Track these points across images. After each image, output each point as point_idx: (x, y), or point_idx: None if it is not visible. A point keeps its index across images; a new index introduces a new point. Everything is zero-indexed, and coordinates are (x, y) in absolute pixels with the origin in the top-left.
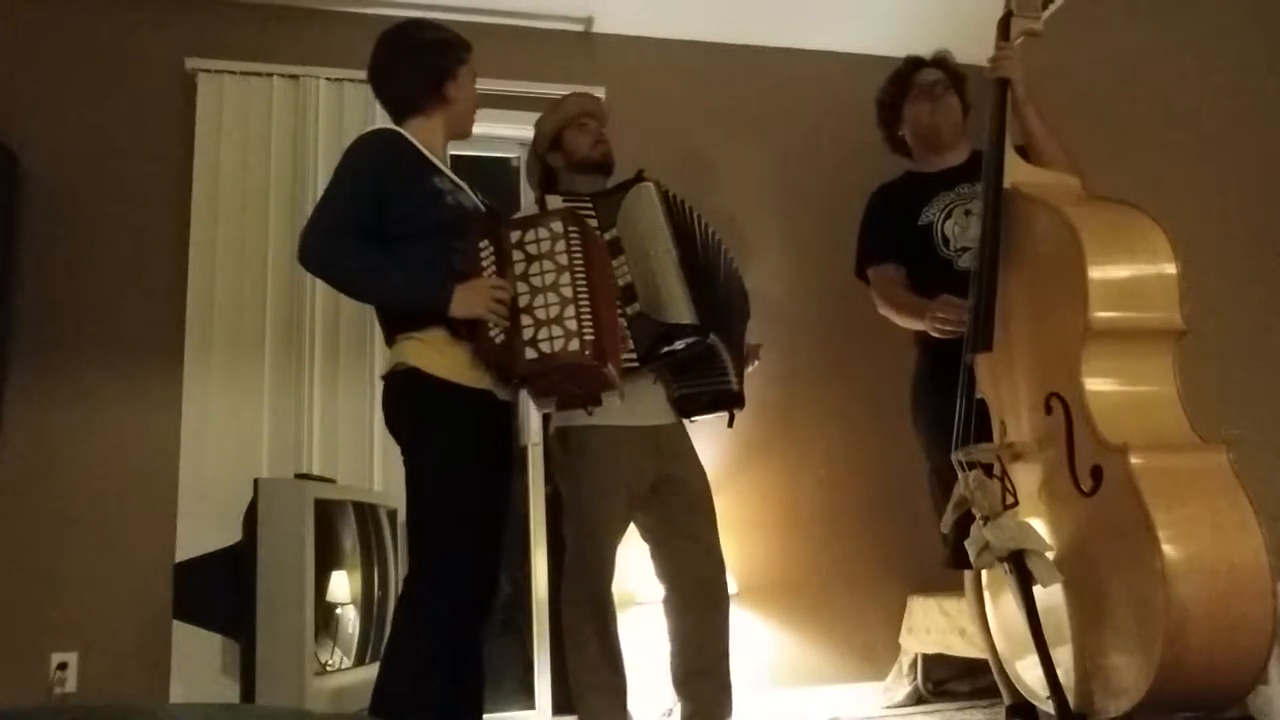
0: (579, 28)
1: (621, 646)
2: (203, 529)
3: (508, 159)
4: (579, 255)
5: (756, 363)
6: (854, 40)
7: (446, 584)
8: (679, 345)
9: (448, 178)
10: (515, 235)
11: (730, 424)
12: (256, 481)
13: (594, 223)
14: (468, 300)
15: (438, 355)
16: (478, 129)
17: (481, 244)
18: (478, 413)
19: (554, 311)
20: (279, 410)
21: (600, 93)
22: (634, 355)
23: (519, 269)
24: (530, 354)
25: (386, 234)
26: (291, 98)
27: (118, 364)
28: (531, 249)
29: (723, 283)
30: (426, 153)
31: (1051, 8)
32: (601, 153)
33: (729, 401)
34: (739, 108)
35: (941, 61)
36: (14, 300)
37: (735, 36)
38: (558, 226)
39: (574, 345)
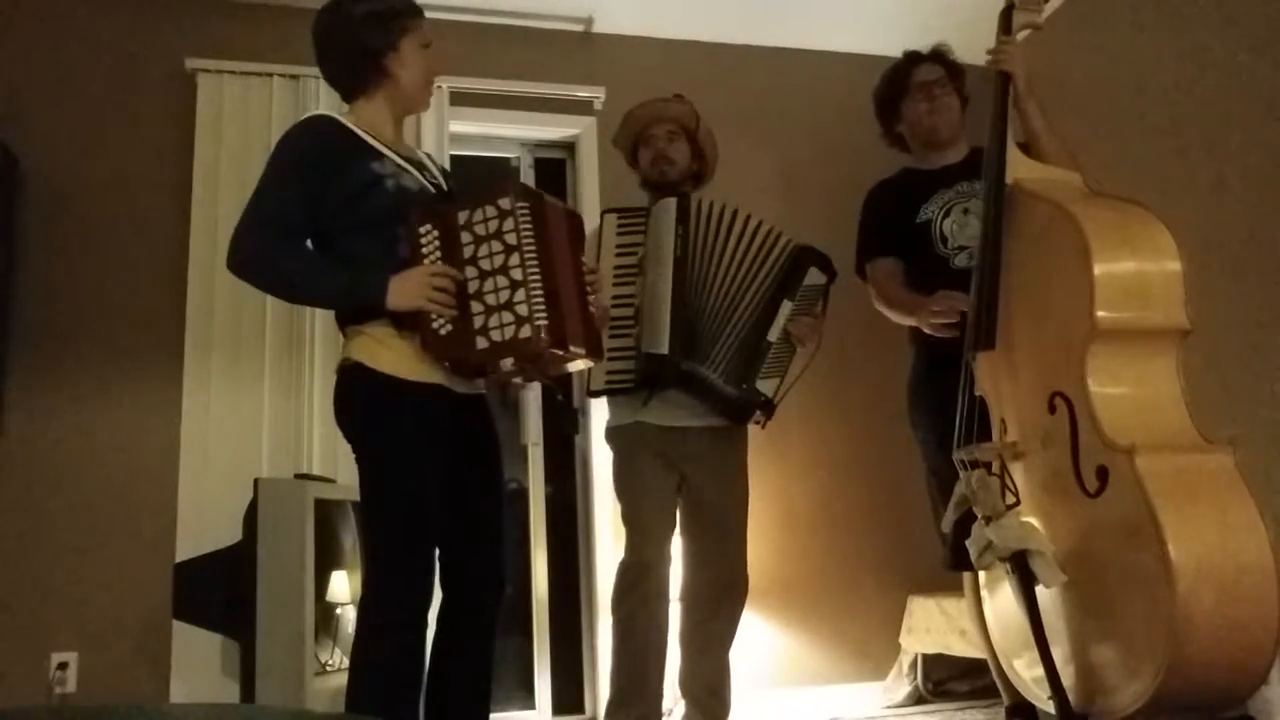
0: (579, 28)
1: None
2: (203, 529)
3: (507, 159)
4: (529, 233)
5: (809, 346)
6: (854, 40)
7: (395, 584)
8: (655, 374)
9: (389, 160)
10: (463, 216)
11: (763, 426)
12: (256, 481)
13: (641, 239)
14: (404, 291)
15: (383, 349)
16: (478, 129)
17: (423, 229)
18: (427, 408)
19: (504, 296)
20: (279, 410)
21: (600, 93)
22: (631, 379)
23: (467, 252)
24: (481, 343)
25: (325, 230)
26: (291, 98)
27: (118, 364)
28: (479, 229)
29: (723, 301)
30: (365, 136)
31: (1053, 2)
32: (659, 172)
33: (751, 409)
34: (739, 108)
35: (939, 55)
36: (14, 300)
37: (735, 36)
38: (505, 203)
39: (525, 332)
